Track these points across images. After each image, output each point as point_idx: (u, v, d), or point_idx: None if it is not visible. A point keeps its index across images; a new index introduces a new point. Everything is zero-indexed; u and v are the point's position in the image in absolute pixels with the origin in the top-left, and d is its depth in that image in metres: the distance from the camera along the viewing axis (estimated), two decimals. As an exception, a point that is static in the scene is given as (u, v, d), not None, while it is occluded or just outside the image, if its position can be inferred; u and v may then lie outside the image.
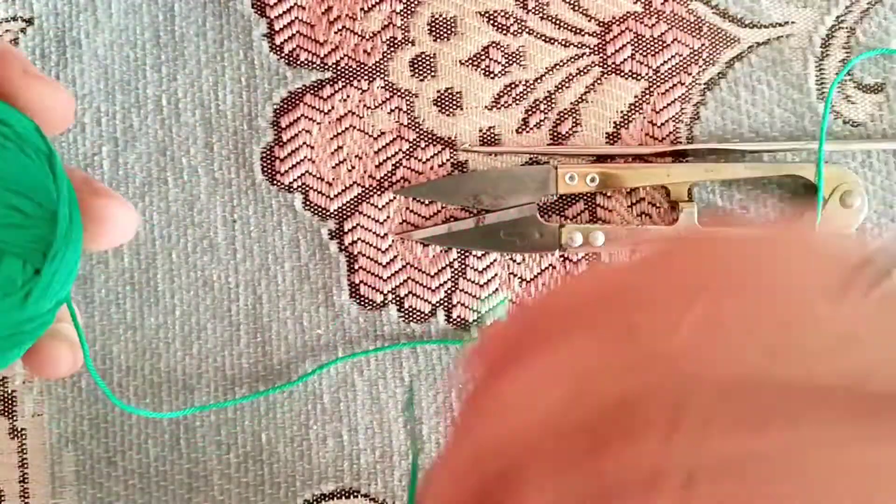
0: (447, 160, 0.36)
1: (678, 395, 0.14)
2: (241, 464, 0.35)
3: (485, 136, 0.36)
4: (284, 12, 0.36)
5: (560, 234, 0.35)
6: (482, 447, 0.16)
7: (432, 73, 0.36)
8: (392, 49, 0.36)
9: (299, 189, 0.36)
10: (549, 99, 0.36)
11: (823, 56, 0.36)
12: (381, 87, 0.36)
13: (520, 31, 0.36)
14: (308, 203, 0.36)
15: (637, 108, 0.36)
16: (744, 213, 0.35)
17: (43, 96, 0.21)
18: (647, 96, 0.36)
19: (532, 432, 0.15)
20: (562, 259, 0.35)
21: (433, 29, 0.36)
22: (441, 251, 0.36)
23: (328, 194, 0.36)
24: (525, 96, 0.36)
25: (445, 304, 0.35)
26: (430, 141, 0.36)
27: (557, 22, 0.36)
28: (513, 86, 0.36)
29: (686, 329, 0.14)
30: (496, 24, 0.36)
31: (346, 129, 0.36)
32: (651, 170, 0.35)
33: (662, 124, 0.36)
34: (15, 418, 0.35)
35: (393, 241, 0.36)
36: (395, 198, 0.36)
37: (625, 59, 0.36)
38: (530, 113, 0.36)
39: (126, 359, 0.35)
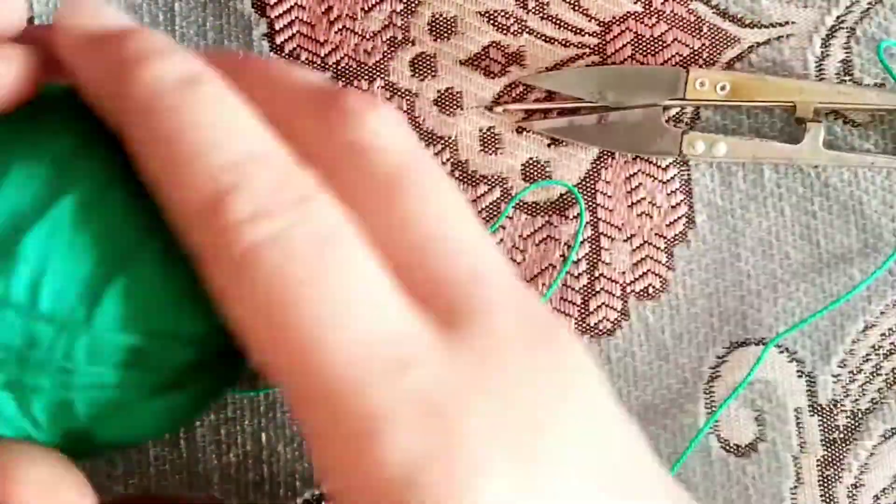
0: (448, 159, 0.36)
1: None
2: (241, 464, 0.35)
3: (485, 135, 0.36)
4: (284, 12, 0.36)
5: (682, 140, 0.35)
6: None
7: (432, 73, 0.36)
8: (392, 49, 0.36)
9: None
10: (550, 99, 0.36)
11: (824, 56, 0.36)
12: (382, 87, 0.36)
13: (520, 30, 0.36)
14: (308, 203, 0.36)
15: (637, 108, 0.36)
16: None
17: None
18: (648, 96, 0.36)
19: None
20: (683, 164, 0.36)
21: (433, 29, 0.36)
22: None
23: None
24: (526, 96, 0.36)
25: (445, 303, 0.35)
26: (431, 140, 0.36)
27: (558, 22, 0.36)
28: (513, 86, 0.36)
29: None
30: (496, 23, 0.36)
31: (347, 128, 0.36)
32: (784, 84, 0.35)
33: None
34: (15, 418, 0.35)
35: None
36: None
37: (625, 59, 0.36)
38: (531, 113, 0.36)
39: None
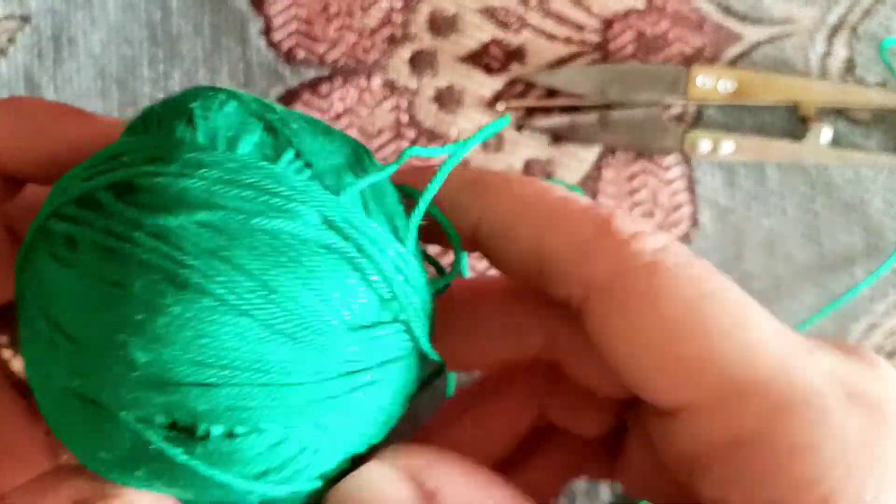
0: (447, 158, 0.36)
1: None
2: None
3: (485, 134, 0.36)
4: (282, 9, 0.36)
5: (684, 139, 0.35)
6: None
7: (432, 71, 0.36)
8: (391, 46, 0.36)
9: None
10: (551, 97, 0.36)
11: (826, 54, 0.36)
12: (381, 85, 0.36)
13: (521, 27, 0.36)
14: (306, 202, 0.35)
15: (639, 106, 0.36)
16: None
17: None
18: (649, 94, 0.36)
19: None
20: (685, 163, 0.35)
21: (433, 26, 0.36)
22: (441, 250, 0.35)
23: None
24: (527, 94, 0.36)
25: (445, 303, 0.35)
26: (431, 138, 0.36)
27: (559, 18, 0.36)
28: (514, 83, 0.36)
29: None
30: (496, 20, 0.36)
31: (345, 127, 0.36)
32: (787, 81, 0.35)
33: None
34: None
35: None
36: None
37: (627, 57, 0.36)
38: (532, 111, 0.36)
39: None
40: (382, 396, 0.19)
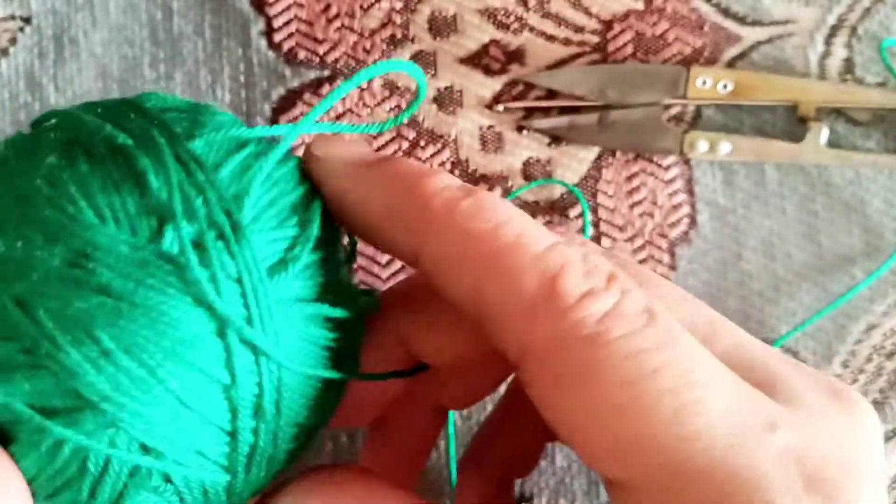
0: (448, 158, 0.36)
1: None
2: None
3: (485, 134, 0.36)
4: (283, 10, 0.36)
5: (683, 139, 0.35)
6: None
7: (432, 72, 0.36)
8: (391, 47, 0.36)
9: (298, 188, 0.35)
10: (550, 98, 0.36)
11: (825, 54, 0.36)
12: (381, 86, 0.36)
13: (520, 28, 0.36)
14: (307, 202, 0.35)
15: (638, 107, 0.36)
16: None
17: None
18: (649, 95, 0.36)
19: None
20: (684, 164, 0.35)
21: (433, 27, 0.36)
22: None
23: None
24: (526, 94, 0.36)
25: (445, 303, 0.35)
26: (430, 139, 0.36)
27: (558, 19, 0.36)
28: (514, 84, 0.36)
29: None
30: (496, 21, 0.36)
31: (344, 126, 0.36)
32: (786, 82, 0.35)
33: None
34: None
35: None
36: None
37: (626, 58, 0.36)
38: (532, 111, 0.36)
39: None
40: (142, 327, 0.18)
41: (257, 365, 0.19)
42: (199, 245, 0.18)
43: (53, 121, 0.20)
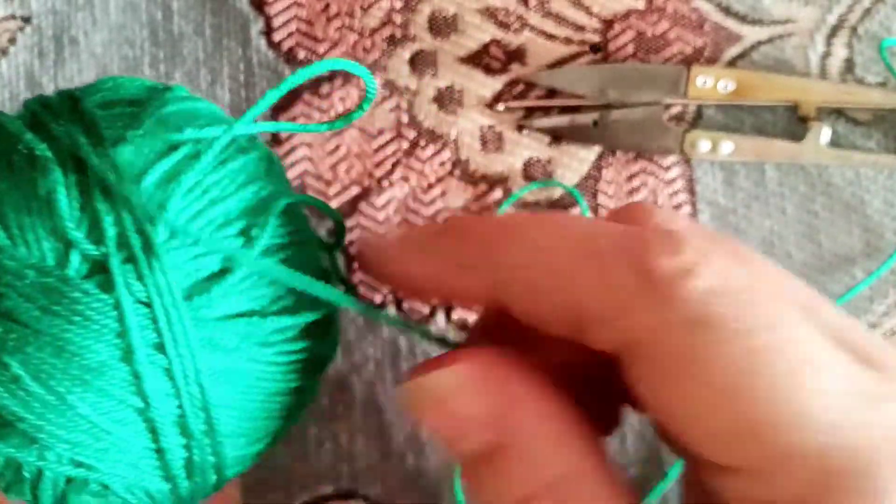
0: (448, 158, 0.36)
1: None
2: (239, 466, 0.35)
3: (486, 134, 0.36)
4: (282, 9, 0.36)
5: (684, 139, 0.35)
6: None
7: (432, 71, 0.36)
8: (391, 46, 0.36)
9: (298, 188, 0.35)
10: (550, 97, 0.36)
11: (826, 54, 0.36)
12: (381, 85, 0.36)
13: (521, 28, 0.36)
14: (307, 202, 0.35)
15: (639, 107, 0.36)
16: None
17: None
18: (649, 94, 0.36)
19: None
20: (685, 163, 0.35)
21: (433, 26, 0.36)
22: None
23: (327, 193, 0.35)
24: (527, 94, 0.36)
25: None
26: (430, 139, 0.36)
27: (559, 19, 0.36)
28: (514, 83, 0.36)
29: None
30: (497, 21, 0.36)
31: (346, 127, 0.36)
32: (786, 82, 0.35)
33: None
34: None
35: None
36: (394, 197, 0.35)
37: (627, 57, 0.36)
38: (532, 111, 0.36)
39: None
40: (50, 354, 0.18)
41: (175, 388, 0.18)
42: (105, 269, 0.17)
43: None
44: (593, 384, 0.23)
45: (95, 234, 0.17)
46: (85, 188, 0.18)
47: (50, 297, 0.17)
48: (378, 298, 0.35)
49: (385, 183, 0.36)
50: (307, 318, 0.20)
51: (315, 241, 0.23)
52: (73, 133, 0.18)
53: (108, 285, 0.17)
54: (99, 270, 0.17)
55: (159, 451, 0.19)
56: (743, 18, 0.36)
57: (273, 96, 0.20)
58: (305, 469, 0.34)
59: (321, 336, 0.21)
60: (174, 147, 0.19)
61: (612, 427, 0.25)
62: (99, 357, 0.17)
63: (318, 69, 0.20)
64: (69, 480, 0.19)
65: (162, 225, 0.18)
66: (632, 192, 0.36)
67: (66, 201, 0.17)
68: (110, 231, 0.17)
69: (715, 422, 0.17)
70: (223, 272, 0.19)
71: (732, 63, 0.36)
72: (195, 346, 0.18)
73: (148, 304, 0.18)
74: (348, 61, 0.20)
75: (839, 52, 0.36)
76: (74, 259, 0.17)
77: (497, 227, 0.19)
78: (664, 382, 0.17)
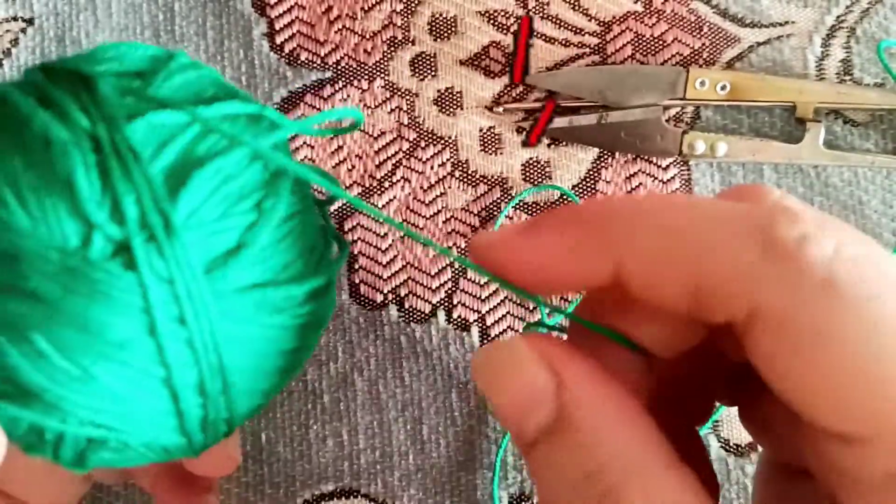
0: (448, 159, 0.36)
1: None
2: (241, 464, 0.35)
3: (485, 135, 0.36)
4: (284, 12, 0.36)
5: (682, 140, 0.35)
6: None
7: (433, 73, 0.36)
8: (392, 49, 0.36)
9: (299, 189, 0.36)
10: (550, 99, 0.36)
11: (824, 56, 0.36)
12: (382, 87, 0.36)
13: (520, 30, 0.36)
14: (308, 203, 0.36)
15: (637, 108, 0.36)
16: None
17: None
18: (648, 96, 0.36)
19: None
20: (683, 164, 0.36)
21: (433, 28, 0.36)
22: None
23: (328, 194, 0.36)
24: (526, 96, 0.36)
25: (446, 304, 0.35)
26: (431, 140, 0.36)
27: (558, 21, 0.36)
28: (513, 85, 0.36)
29: None
30: (496, 23, 0.36)
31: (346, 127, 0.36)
32: (783, 83, 0.35)
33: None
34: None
35: (393, 240, 0.35)
36: (394, 198, 0.36)
37: (625, 59, 0.36)
38: (531, 113, 0.36)
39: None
40: (74, 331, 0.18)
41: (195, 356, 0.19)
42: (128, 249, 0.18)
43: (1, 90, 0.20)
44: (685, 381, 0.23)
45: (117, 215, 0.18)
46: (103, 169, 0.18)
47: (74, 277, 0.18)
48: (378, 298, 0.35)
49: (386, 183, 0.36)
50: (313, 283, 0.21)
51: (313, 201, 0.23)
52: (88, 112, 0.18)
53: (131, 264, 0.18)
54: (122, 250, 0.18)
55: (178, 413, 0.19)
56: (741, 20, 0.36)
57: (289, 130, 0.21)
58: (307, 467, 0.35)
59: (322, 298, 0.22)
60: (188, 123, 0.19)
61: (703, 419, 0.25)
62: (124, 332, 0.18)
63: (322, 118, 0.21)
64: (90, 441, 0.19)
65: (181, 203, 0.18)
66: (630, 192, 0.36)
67: (87, 183, 0.18)
68: (132, 212, 0.18)
69: (850, 390, 0.16)
70: (239, 247, 0.19)
71: (730, 65, 0.36)
72: (214, 317, 0.19)
73: (170, 281, 0.18)
74: (346, 109, 0.20)
75: (837, 54, 0.36)
76: (97, 240, 0.18)
77: (618, 208, 0.19)
78: (792, 351, 0.17)
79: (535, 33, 0.36)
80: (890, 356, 0.16)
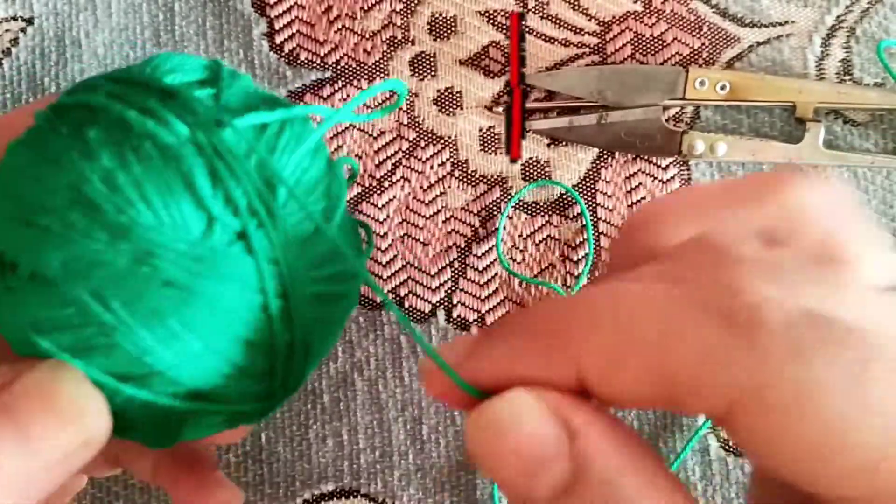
0: (447, 159, 0.36)
1: None
2: (241, 463, 0.35)
3: (485, 135, 0.36)
4: (284, 12, 0.36)
5: (682, 140, 0.35)
6: None
7: (432, 73, 0.36)
8: (392, 48, 0.36)
9: (299, 188, 0.36)
10: (549, 99, 0.36)
11: (823, 56, 0.36)
12: (381, 87, 0.36)
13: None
14: (308, 202, 0.36)
15: (637, 108, 0.36)
16: None
17: None
18: (648, 96, 0.36)
19: None
20: (683, 164, 0.36)
21: (433, 28, 0.36)
22: (441, 251, 0.35)
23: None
24: (525, 96, 0.36)
25: (445, 304, 0.35)
26: (430, 140, 0.36)
27: (557, 21, 0.36)
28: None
29: None
30: (496, 23, 0.36)
31: (346, 128, 0.36)
32: (783, 83, 0.35)
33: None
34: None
35: (393, 240, 0.36)
36: (394, 197, 0.36)
37: (625, 59, 0.36)
38: (531, 113, 0.36)
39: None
40: (203, 310, 0.21)
41: (291, 327, 0.22)
42: (243, 235, 0.21)
43: (84, 101, 0.22)
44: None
45: (230, 206, 0.21)
46: (211, 169, 0.21)
47: (201, 263, 0.21)
48: (378, 297, 0.35)
49: (386, 183, 0.36)
50: (363, 259, 0.24)
51: None
52: (185, 120, 0.21)
53: (249, 249, 0.21)
54: (238, 237, 0.21)
55: (271, 377, 0.22)
56: (741, 20, 0.36)
57: (366, 94, 0.23)
58: (307, 466, 0.35)
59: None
60: (263, 125, 0.22)
61: None
62: (246, 311, 0.21)
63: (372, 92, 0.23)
64: (190, 412, 0.22)
65: (279, 193, 0.21)
66: (630, 192, 0.36)
67: (203, 182, 0.21)
68: (242, 203, 0.21)
69: (829, 460, 0.16)
70: (316, 231, 0.22)
71: (730, 64, 0.36)
72: (307, 293, 0.22)
73: (276, 262, 0.21)
74: (394, 80, 0.23)
75: (837, 53, 0.36)
76: (218, 230, 0.21)
77: (569, 313, 0.18)
78: (775, 432, 0.16)
79: (528, 30, 0.36)
80: (871, 432, 0.16)
